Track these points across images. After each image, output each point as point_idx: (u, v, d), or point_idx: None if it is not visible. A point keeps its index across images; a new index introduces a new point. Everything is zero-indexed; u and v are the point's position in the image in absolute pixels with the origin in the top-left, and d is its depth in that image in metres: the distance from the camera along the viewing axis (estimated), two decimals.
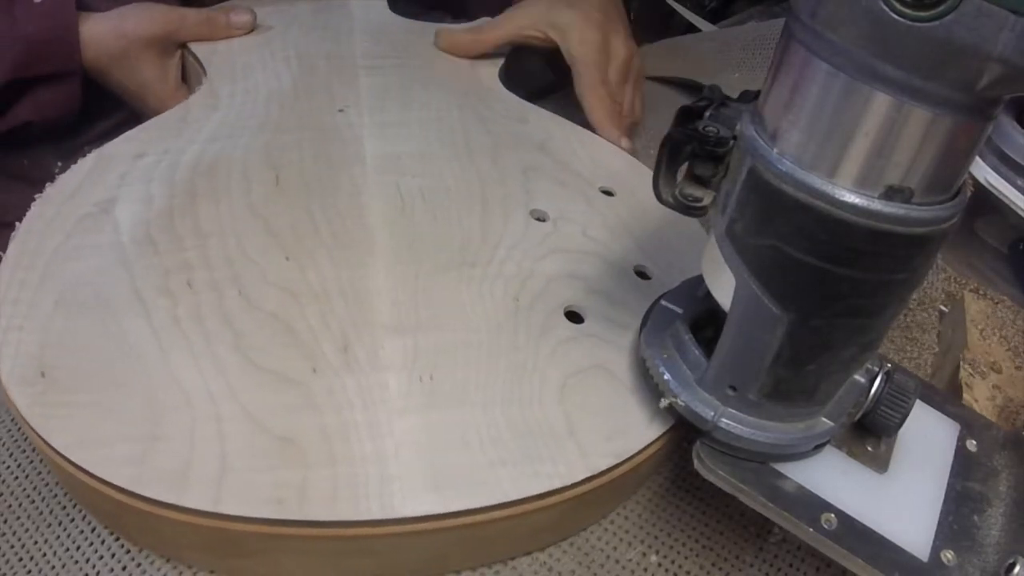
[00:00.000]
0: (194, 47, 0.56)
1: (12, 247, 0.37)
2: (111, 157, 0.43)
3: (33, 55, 0.49)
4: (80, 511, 0.33)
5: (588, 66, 0.56)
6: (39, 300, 0.35)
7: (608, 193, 0.46)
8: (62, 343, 0.33)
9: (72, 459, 0.29)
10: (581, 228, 0.43)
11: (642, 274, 0.41)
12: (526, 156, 0.48)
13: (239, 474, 0.29)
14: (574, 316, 0.38)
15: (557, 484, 0.30)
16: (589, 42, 0.56)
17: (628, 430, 0.33)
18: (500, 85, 0.56)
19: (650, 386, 0.33)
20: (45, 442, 0.30)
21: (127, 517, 0.30)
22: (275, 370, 0.33)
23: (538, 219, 0.43)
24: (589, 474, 0.31)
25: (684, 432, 0.34)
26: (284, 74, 0.54)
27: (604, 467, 0.31)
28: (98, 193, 0.41)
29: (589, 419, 0.33)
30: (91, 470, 0.29)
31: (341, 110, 0.50)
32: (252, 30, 0.58)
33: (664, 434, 0.33)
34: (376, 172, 0.45)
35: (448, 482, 0.30)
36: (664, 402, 0.32)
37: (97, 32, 0.52)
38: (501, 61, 0.59)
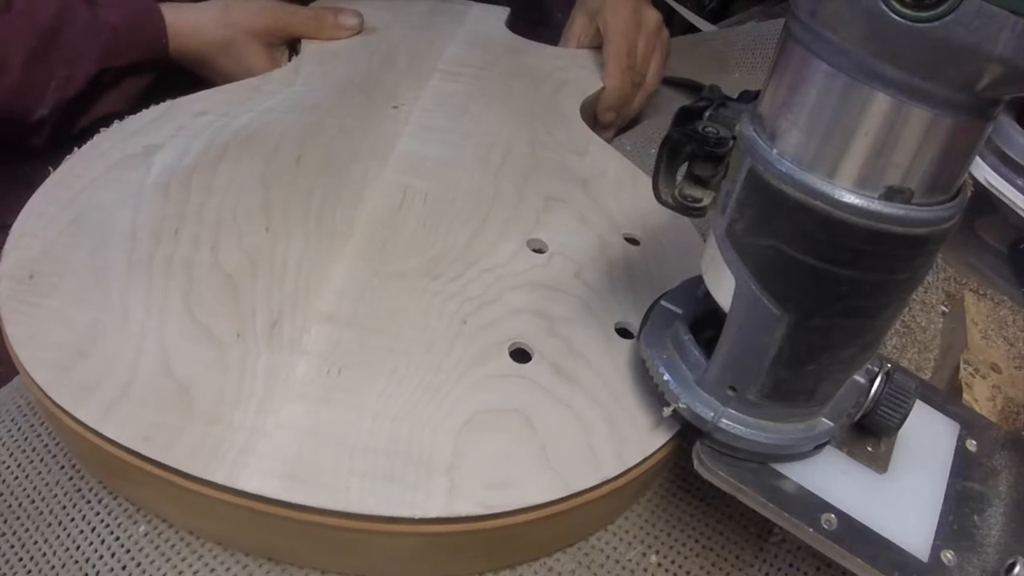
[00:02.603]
0: None
1: (64, 166, 0.42)
2: (178, 110, 0.48)
3: (120, 43, 0.50)
4: (79, 511, 0.33)
5: (617, 35, 0.57)
6: (59, 216, 0.39)
7: (632, 242, 0.44)
8: (57, 255, 0.37)
9: (16, 351, 0.33)
10: (577, 269, 0.41)
11: (624, 331, 0.38)
12: (559, 187, 0.47)
13: (131, 404, 0.31)
14: (522, 355, 0.36)
15: (404, 513, 0.29)
16: (619, 11, 0.57)
17: (513, 484, 0.30)
18: (578, 115, 0.55)
19: (649, 387, 0.33)
20: (4, 331, 0.34)
21: (44, 415, 0.35)
22: (206, 325, 0.35)
23: (535, 250, 0.42)
24: (444, 515, 0.29)
25: (684, 436, 0.34)
26: (364, 65, 0.56)
27: (463, 513, 0.29)
28: (151, 138, 0.45)
29: (477, 461, 0.31)
30: (25, 364, 0.32)
31: (395, 107, 0.51)
32: (359, 32, 0.60)
33: (554, 502, 0.31)
34: (392, 170, 0.45)
35: (302, 474, 0.30)
36: (667, 410, 0.32)
37: (201, 21, 0.54)
38: (592, 90, 0.58)
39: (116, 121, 0.46)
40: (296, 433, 0.31)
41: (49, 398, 0.31)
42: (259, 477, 0.29)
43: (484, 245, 0.41)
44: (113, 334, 0.34)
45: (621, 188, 0.48)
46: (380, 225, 0.41)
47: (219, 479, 0.29)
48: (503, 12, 0.67)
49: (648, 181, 0.48)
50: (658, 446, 0.33)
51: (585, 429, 0.33)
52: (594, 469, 0.31)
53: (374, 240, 0.40)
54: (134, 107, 0.51)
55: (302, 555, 0.32)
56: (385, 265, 0.39)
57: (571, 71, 0.60)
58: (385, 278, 0.38)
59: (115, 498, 0.34)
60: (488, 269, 0.40)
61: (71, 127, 0.52)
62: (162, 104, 0.48)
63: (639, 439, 0.33)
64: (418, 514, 0.29)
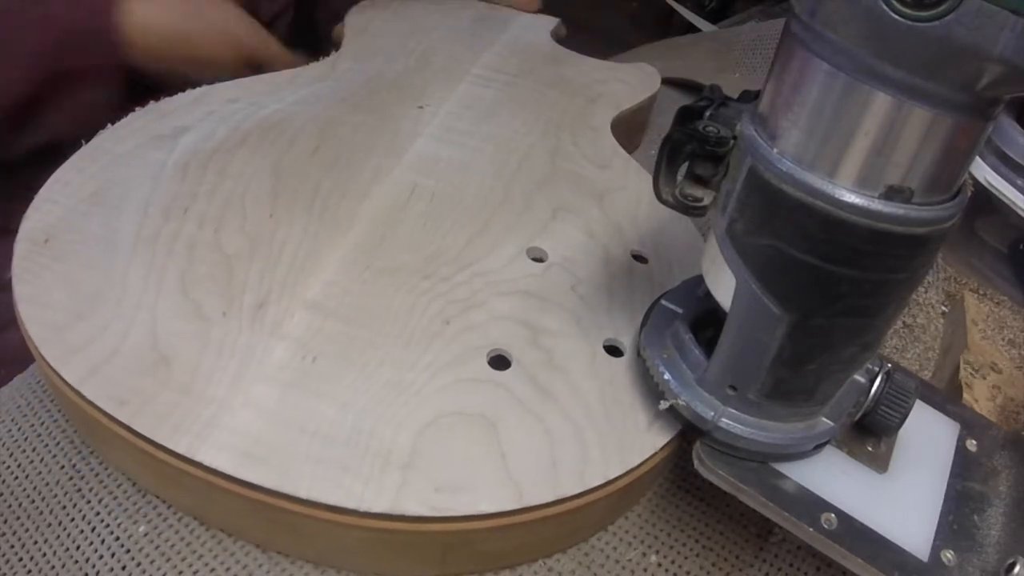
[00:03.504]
0: (348, 22, 0.60)
1: (95, 140, 0.44)
2: (212, 95, 0.49)
3: (68, 44, 0.46)
4: (79, 511, 0.33)
5: None
6: (83, 186, 0.41)
7: (640, 259, 0.42)
8: (73, 222, 0.39)
9: (19, 308, 0.34)
10: (574, 281, 0.40)
11: (613, 349, 0.37)
12: (572, 198, 0.46)
13: (113, 369, 0.32)
14: (500, 361, 0.35)
15: (351, 504, 0.29)
16: None
17: (465, 489, 0.30)
18: (607, 129, 0.53)
19: (650, 386, 0.33)
20: (13, 288, 0.35)
21: (39, 369, 0.36)
22: (197, 302, 0.36)
23: (534, 258, 0.41)
24: (388, 511, 0.29)
25: (684, 434, 0.34)
26: (400, 65, 0.56)
27: (409, 512, 0.29)
28: (182, 120, 0.46)
29: (435, 462, 0.31)
30: (24, 323, 0.34)
31: (420, 107, 0.51)
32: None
33: (505, 513, 0.30)
34: (404, 168, 0.46)
35: (260, 454, 0.30)
36: (664, 404, 0.32)
37: (161, 20, 0.50)
38: (626, 105, 0.57)
39: (152, 101, 0.47)
40: (261, 413, 0.32)
41: (40, 354, 0.33)
42: (216, 451, 0.30)
43: (481, 249, 0.41)
44: (110, 302, 0.35)
45: (639, 205, 0.47)
46: (381, 220, 0.42)
47: (181, 449, 0.30)
48: (550, 22, 0.66)
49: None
50: (623, 471, 0.32)
51: (551, 444, 0.32)
52: (552, 485, 0.31)
53: (373, 234, 0.41)
54: (87, 130, 0.46)
55: (260, 536, 0.33)
56: (378, 260, 0.39)
57: (609, 84, 0.58)
58: (376, 272, 0.39)
59: (115, 498, 0.34)
60: (481, 273, 0.39)
61: (14, 143, 0.48)
62: (199, 89, 0.49)
63: (605, 461, 0.32)
64: (363, 507, 0.29)
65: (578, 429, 0.33)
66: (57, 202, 0.40)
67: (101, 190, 0.41)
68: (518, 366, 0.35)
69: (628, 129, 0.57)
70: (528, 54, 0.61)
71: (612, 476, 0.32)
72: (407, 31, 0.60)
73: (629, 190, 0.48)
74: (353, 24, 0.60)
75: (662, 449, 0.33)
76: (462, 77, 0.56)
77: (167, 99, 0.48)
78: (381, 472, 0.30)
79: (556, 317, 0.38)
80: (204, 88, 0.49)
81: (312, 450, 0.31)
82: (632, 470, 0.32)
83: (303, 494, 0.29)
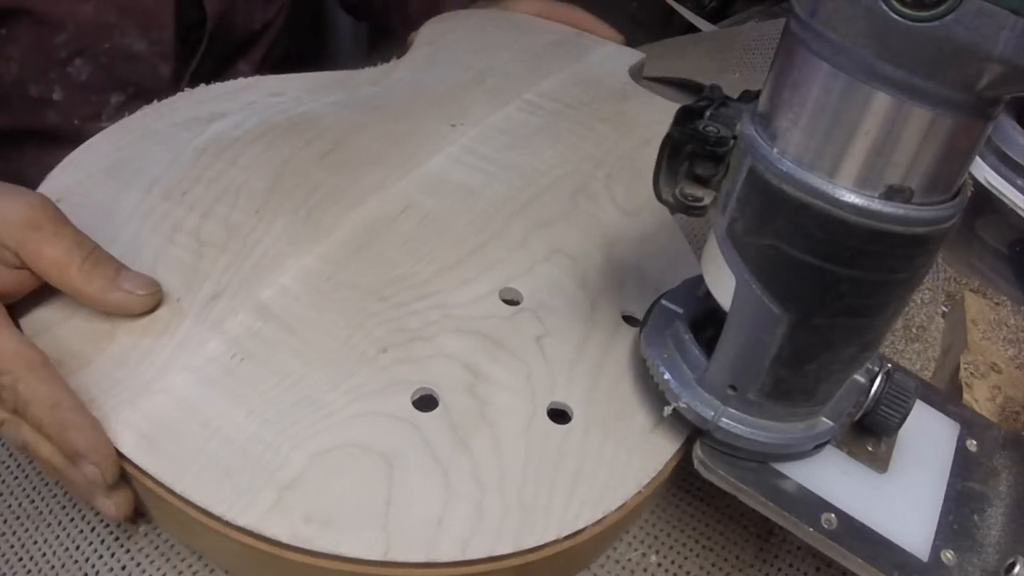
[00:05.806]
0: (420, 33, 0.59)
1: (137, 114, 0.45)
2: (257, 86, 0.49)
3: None
4: (79, 511, 0.33)
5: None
6: (106, 155, 0.42)
7: (631, 321, 0.38)
8: (86, 188, 0.40)
9: None
10: (541, 333, 0.37)
11: (559, 413, 0.34)
12: (576, 241, 0.42)
13: (65, 331, 0.34)
14: (427, 402, 0.33)
15: (218, 511, 0.28)
16: None
17: (334, 526, 0.28)
18: (651, 173, 0.50)
19: (650, 386, 0.33)
20: None
21: None
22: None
23: (506, 300, 0.38)
24: (250, 528, 0.28)
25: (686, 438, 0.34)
26: (452, 81, 0.54)
27: (268, 534, 0.28)
28: (221, 106, 0.47)
29: (317, 491, 0.29)
30: None
31: (453, 125, 0.49)
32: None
33: (365, 562, 0.28)
34: (408, 184, 0.44)
35: (160, 444, 0.30)
36: (668, 409, 0.32)
37: None
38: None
39: (203, 84, 0.48)
40: (173, 401, 0.31)
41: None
42: (121, 427, 0.30)
43: (451, 281, 0.38)
44: None
45: (654, 261, 0.42)
46: (363, 233, 0.40)
47: (97, 417, 0.30)
48: (633, 56, 0.61)
49: (693, 260, 0.42)
50: (512, 550, 0.29)
51: (447, 503, 0.30)
52: (428, 546, 0.28)
53: (347, 246, 0.39)
54: None
55: (161, 523, 0.33)
56: (342, 273, 0.38)
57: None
58: (335, 285, 0.37)
59: None
60: (440, 305, 0.37)
61: None
62: (250, 78, 0.50)
63: (496, 535, 0.29)
64: (227, 517, 0.28)
65: (482, 494, 0.30)
66: (80, 166, 0.41)
67: (121, 162, 0.41)
68: (443, 411, 0.33)
69: None
70: (594, 85, 0.56)
71: (497, 553, 0.29)
72: (474, 48, 0.58)
73: (647, 243, 0.43)
74: (424, 35, 0.59)
75: (565, 539, 0.30)
76: (510, 100, 0.52)
77: (216, 84, 0.49)
78: (261, 488, 0.29)
79: (505, 367, 0.35)
80: (255, 78, 0.50)
81: (207, 449, 0.30)
82: (522, 552, 0.29)
83: (178, 489, 0.29)
